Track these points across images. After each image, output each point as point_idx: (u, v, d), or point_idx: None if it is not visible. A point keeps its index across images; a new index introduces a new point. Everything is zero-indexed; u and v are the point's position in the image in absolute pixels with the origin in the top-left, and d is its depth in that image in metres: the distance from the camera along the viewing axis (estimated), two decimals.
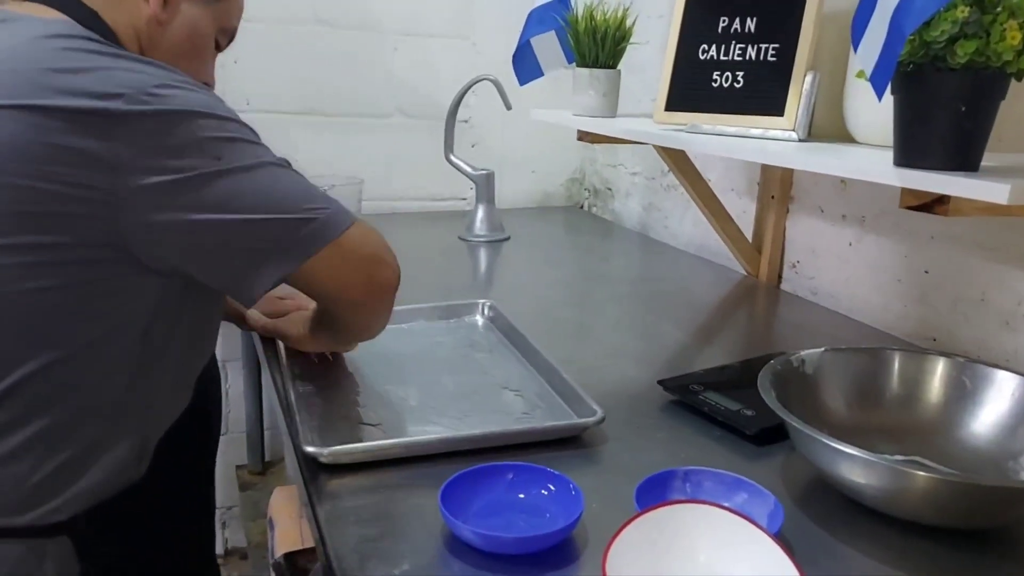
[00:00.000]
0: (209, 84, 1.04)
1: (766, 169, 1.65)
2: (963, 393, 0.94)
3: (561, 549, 0.76)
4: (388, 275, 0.95)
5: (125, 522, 0.96)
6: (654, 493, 0.81)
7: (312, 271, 0.87)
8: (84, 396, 0.83)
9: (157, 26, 0.93)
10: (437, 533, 0.78)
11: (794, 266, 1.65)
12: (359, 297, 0.94)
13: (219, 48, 1.03)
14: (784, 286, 1.67)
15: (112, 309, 0.82)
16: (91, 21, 0.87)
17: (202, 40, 0.98)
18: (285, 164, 0.88)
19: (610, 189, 2.34)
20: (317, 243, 0.85)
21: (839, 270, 1.54)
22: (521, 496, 0.82)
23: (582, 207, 2.47)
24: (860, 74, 0.80)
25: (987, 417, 0.92)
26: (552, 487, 0.82)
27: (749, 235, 1.71)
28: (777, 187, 1.63)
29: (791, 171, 1.61)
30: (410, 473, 0.90)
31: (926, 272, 1.35)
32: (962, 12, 0.72)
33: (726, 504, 0.72)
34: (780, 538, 0.68)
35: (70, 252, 0.77)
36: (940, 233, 1.31)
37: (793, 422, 0.82)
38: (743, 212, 1.75)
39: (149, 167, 0.76)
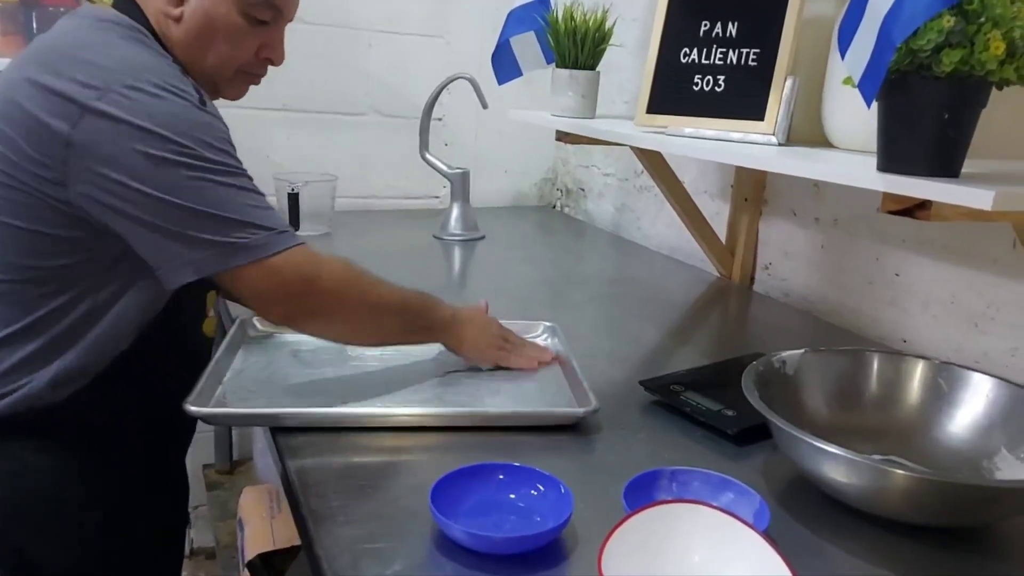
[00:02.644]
0: (249, 64, 1.05)
1: (740, 172, 1.67)
2: (939, 394, 0.97)
3: (551, 549, 0.76)
4: (307, 303, 0.98)
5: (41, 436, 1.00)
6: (641, 493, 0.82)
7: (236, 281, 0.93)
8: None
9: (172, 21, 0.99)
10: (427, 533, 0.78)
11: (767, 268, 1.67)
12: (277, 319, 1.00)
13: (262, 21, 1.02)
14: (756, 287, 1.69)
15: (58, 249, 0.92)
16: (138, 16, 0.99)
17: (222, 24, 0.99)
18: (241, 184, 0.93)
19: (583, 190, 2.35)
20: (247, 256, 0.91)
21: (811, 272, 1.56)
22: (512, 496, 0.82)
23: (554, 207, 2.48)
24: (847, 81, 0.81)
25: (963, 418, 0.94)
26: (541, 487, 0.82)
27: (722, 237, 1.73)
28: (750, 190, 1.65)
29: (764, 174, 1.64)
30: (397, 472, 0.90)
31: (897, 275, 1.38)
32: (948, 22, 0.74)
33: (715, 504, 0.73)
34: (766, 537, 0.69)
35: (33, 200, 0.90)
36: (912, 237, 1.34)
37: (779, 423, 0.83)
38: (716, 214, 1.77)
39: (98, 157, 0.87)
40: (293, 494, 0.85)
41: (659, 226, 2.01)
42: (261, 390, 1.02)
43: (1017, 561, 0.81)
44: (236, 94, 1.09)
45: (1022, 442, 0.89)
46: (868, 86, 0.74)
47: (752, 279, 1.70)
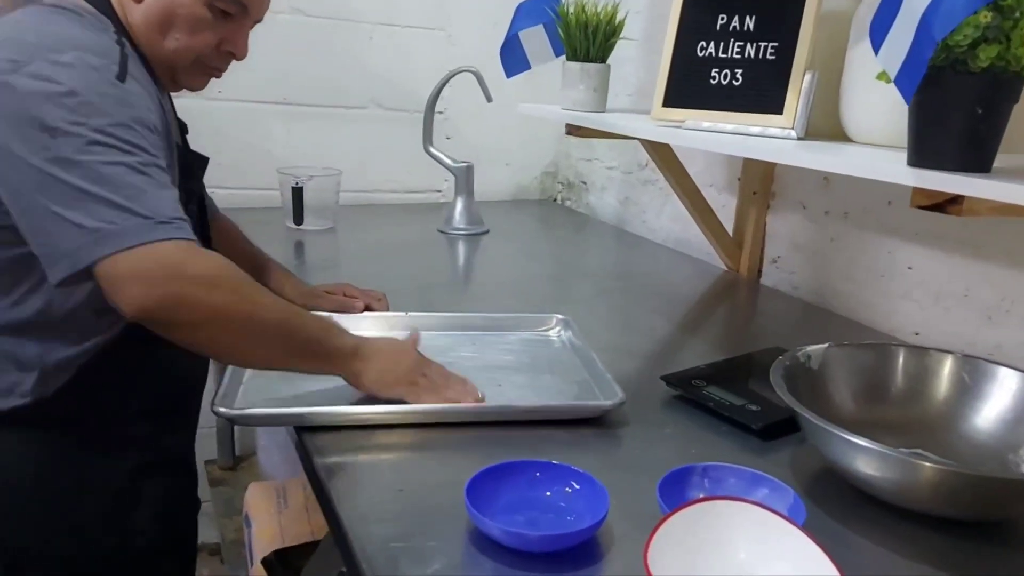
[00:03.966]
0: (209, 56, 1.03)
1: (748, 165, 1.67)
2: (964, 388, 0.97)
3: (588, 546, 0.76)
4: (170, 300, 0.84)
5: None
6: (675, 489, 0.82)
7: (102, 275, 0.83)
8: None
9: (133, 3, 0.97)
10: (462, 530, 0.78)
11: (775, 261, 1.67)
12: (135, 312, 0.84)
13: (227, 14, 1.00)
14: (764, 280, 1.69)
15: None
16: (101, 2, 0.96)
17: (183, 12, 0.97)
18: (133, 164, 0.85)
19: (584, 183, 2.35)
20: (112, 245, 0.81)
21: (821, 265, 1.56)
22: (548, 494, 0.81)
23: (555, 200, 2.47)
24: (882, 76, 0.81)
25: (988, 412, 0.94)
26: (576, 484, 0.82)
27: (729, 230, 1.73)
28: (759, 183, 1.65)
29: (773, 167, 1.64)
30: (426, 469, 0.89)
31: (909, 268, 1.38)
32: (984, 17, 0.74)
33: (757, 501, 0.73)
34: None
35: None
36: (924, 230, 1.35)
37: (812, 419, 0.83)
38: (722, 207, 1.76)
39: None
40: (324, 494, 0.84)
41: (664, 219, 2.00)
42: (283, 389, 1.01)
43: None
44: (196, 84, 1.07)
45: None
46: (906, 82, 0.74)
47: (760, 272, 1.70)
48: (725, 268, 1.74)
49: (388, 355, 1.01)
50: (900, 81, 0.75)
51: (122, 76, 0.88)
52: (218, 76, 1.08)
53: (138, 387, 1.03)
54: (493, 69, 1.74)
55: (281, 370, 0.98)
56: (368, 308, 1.25)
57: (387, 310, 1.26)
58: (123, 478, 1.04)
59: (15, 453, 0.97)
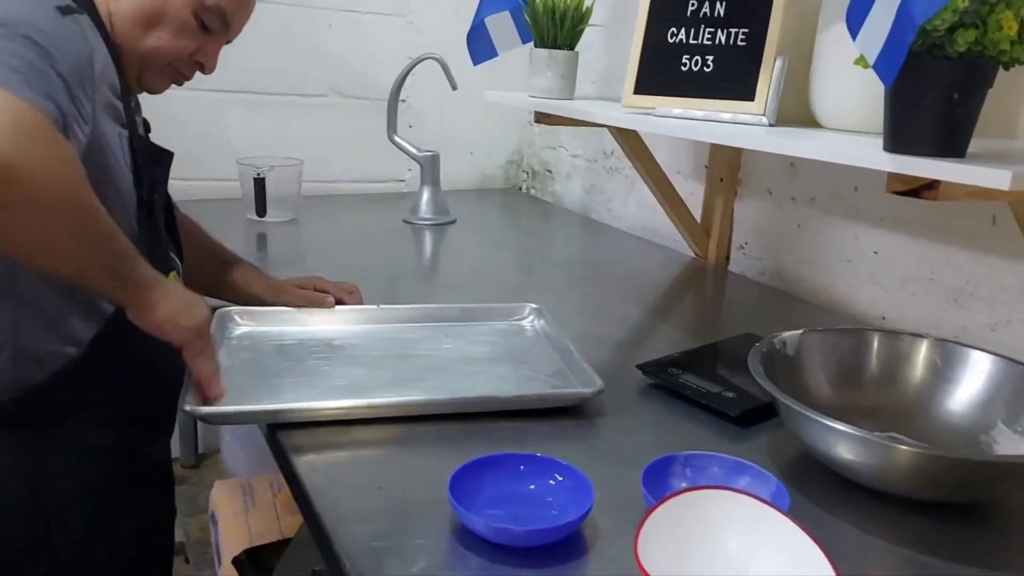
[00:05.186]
0: (181, 62, 1.02)
1: (715, 151, 1.67)
2: (936, 371, 0.98)
3: (574, 539, 0.75)
4: None
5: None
6: (658, 479, 0.81)
7: None
8: None
9: None
10: (446, 526, 0.76)
11: (742, 248, 1.68)
12: None
13: (207, 28, 1.00)
14: (732, 267, 1.70)
15: None
16: None
17: (172, 14, 0.97)
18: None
19: (549, 171, 2.34)
20: None
21: (788, 251, 1.57)
22: (532, 487, 0.80)
23: (520, 189, 2.46)
24: (860, 61, 0.81)
25: (961, 394, 0.96)
26: (560, 477, 0.81)
27: (697, 217, 1.73)
28: (725, 170, 1.65)
29: (739, 154, 1.64)
30: (405, 464, 0.88)
31: (875, 252, 1.40)
32: (962, 2, 0.74)
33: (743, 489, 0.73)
34: None
35: None
36: (890, 215, 1.36)
37: (793, 405, 0.83)
38: (689, 194, 1.77)
39: None
40: (303, 493, 0.82)
41: (630, 207, 2.00)
42: (255, 386, 0.99)
43: None
44: (159, 87, 1.06)
45: (1019, 416, 0.91)
46: (886, 67, 0.74)
47: (728, 259, 1.71)
48: (693, 255, 1.74)
49: (184, 301, 0.94)
50: (880, 67, 0.75)
51: (66, 10, 0.84)
52: (180, 83, 1.08)
53: (121, 390, 1.00)
54: (455, 56, 1.72)
55: (71, 282, 0.87)
56: (340, 301, 1.23)
57: (360, 303, 1.24)
58: (112, 487, 1.02)
59: (4, 468, 0.94)
